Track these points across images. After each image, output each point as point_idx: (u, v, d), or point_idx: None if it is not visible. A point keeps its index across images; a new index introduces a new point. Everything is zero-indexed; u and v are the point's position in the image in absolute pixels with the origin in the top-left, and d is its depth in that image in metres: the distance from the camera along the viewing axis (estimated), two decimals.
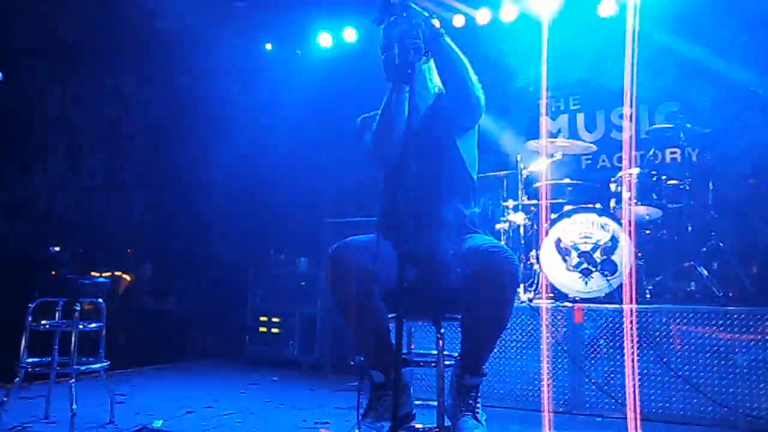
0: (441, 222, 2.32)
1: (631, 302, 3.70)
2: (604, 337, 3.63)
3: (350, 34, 6.23)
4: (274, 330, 5.29)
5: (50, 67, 5.66)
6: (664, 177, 4.36)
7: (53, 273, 5.22)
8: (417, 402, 2.38)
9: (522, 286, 4.23)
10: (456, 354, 2.29)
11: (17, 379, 3.15)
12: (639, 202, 4.22)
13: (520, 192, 4.61)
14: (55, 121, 5.73)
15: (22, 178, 5.42)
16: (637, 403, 3.39)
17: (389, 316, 2.25)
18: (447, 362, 2.26)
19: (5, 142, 5.25)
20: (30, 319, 3.19)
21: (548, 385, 3.67)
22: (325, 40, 6.35)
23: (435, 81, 2.51)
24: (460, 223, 2.35)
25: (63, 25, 5.52)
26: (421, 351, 2.82)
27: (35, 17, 5.36)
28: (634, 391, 3.40)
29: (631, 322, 3.54)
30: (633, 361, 3.45)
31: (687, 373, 3.39)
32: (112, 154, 6.22)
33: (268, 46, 6.71)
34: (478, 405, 2.20)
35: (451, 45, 2.24)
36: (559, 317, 3.76)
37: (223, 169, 6.35)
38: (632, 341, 3.50)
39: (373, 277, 2.10)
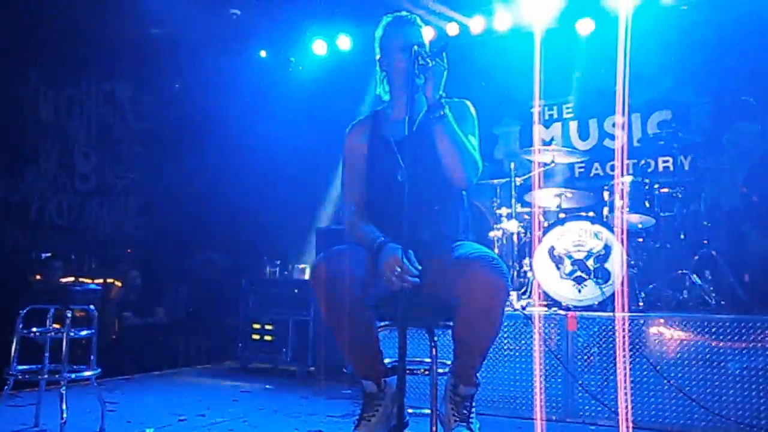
0: (433, 230, 2.31)
1: (622, 310, 3.70)
2: (598, 345, 3.63)
3: (344, 42, 6.24)
4: (268, 337, 5.27)
5: (43, 73, 5.64)
6: (656, 185, 4.37)
7: (44, 279, 5.19)
8: (409, 410, 2.37)
9: (515, 293, 4.24)
10: (449, 362, 2.28)
11: (7, 386, 3.12)
12: (632, 211, 4.23)
13: (513, 200, 4.62)
14: (48, 127, 5.71)
15: (14, 184, 5.40)
16: (629, 411, 3.39)
17: (379, 324, 2.24)
18: (440, 370, 2.26)
19: None
20: (20, 326, 3.16)
21: (541, 393, 3.67)
22: (319, 47, 6.36)
23: None
24: (452, 233, 2.34)
25: (57, 31, 5.51)
26: (415, 358, 2.81)
27: (29, 22, 5.35)
28: (626, 400, 3.40)
29: (623, 330, 3.54)
30: (624, 369, 3.46)
31: (680, 381, 3.39)
32: (105, 160, 6.20)
33: (263, 54, 6.72)
34: (473, 415, 2.19)
35: (452, 126, 2.20)
36: (552, 325, 3.76)
37: (216, 175, 6.34)
38: (624, 350, 3.50)
39: (361, 285, 2.09)
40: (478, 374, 2.20)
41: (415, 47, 2.17)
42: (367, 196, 2.42)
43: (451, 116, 2.20)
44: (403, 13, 2.40)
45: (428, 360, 2.26)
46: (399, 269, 1.98)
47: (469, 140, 2.27)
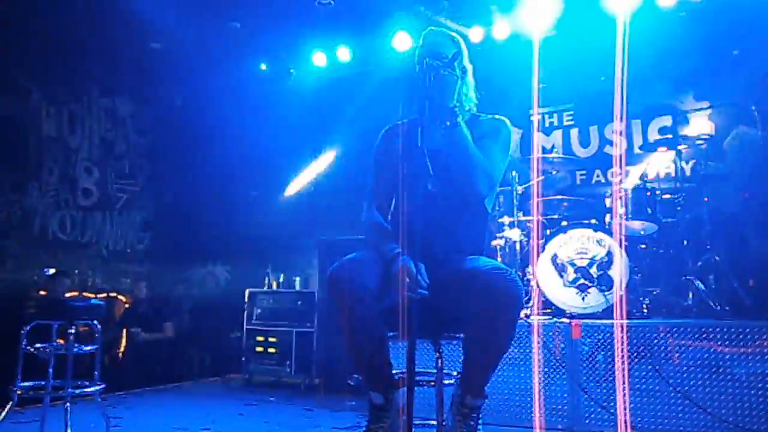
0: (448, 243, 2.30)
1: (623, 318, 3.69)
2: (603, 353, 3.62)
3: (344, 54, 6.27)
4: (271, 350, 5.26)
5: (45, 88, 5.67)
6: (658, 192, 4.38)
7: (48, 295, 5.19)
8: (416, 421, 2.36)
9: None
10: (455, 372, 2.27)
11: (11, 403, 3.12)
12: (634, 217, 4.23)
13: (515, 208, 4.62)
14: (51, 142, 5.73)
15: (17, 199, 5.41)
16: (629, 418, 3.38)
17: (389, 335, 2.24)
18: (446, 381, 2.25)
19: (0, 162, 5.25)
20: (24, 342, 3.16)
21: (546, 401, 3.65)
22: (319, 59, 6.38)
23: (470, 96, 2.51)
24: (467, 246, 2.33)
25: (58, 46, 5.54)
26: (421, 369, 2.81)
27: (30, 39, 5.38)
28: (625, 407, 3.39)
29: (623, 337, 3.53)
30: (625, 376, 3.44)
31: (684, 387, 3.38)
32: (108, 175, 6.22)
33: (263, 66, 6.75)
34: (479, 426, 2.18)
35: (463, 136, 2.22)
36: (556, 333, 3.75)
37: (218, 188, 6.35)
38: (623, 356, 3.49)
39: (375, 295, 2.09)
40: (486, 386, 2.19)
41: (427, 59, 2.19)
42: (391, 202, 2.41)
43: (464, 126, 2.22)
44: (432, 27, 2.50)
45: (434, 371, 2.26)
46: (408, 280, 1.98)
47: (488, 153, 2.27)
